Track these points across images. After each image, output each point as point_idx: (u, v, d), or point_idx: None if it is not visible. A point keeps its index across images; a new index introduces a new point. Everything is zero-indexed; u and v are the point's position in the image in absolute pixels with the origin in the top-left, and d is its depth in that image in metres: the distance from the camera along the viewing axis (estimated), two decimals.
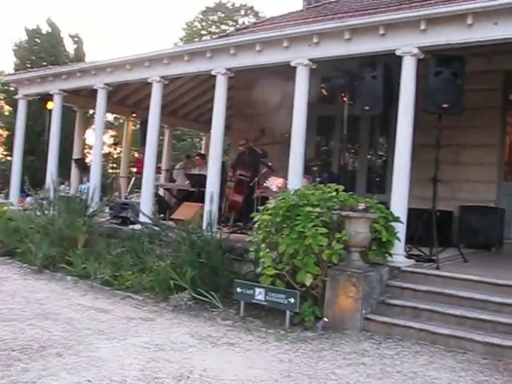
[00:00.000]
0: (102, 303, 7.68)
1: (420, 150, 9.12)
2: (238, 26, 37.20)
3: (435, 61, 7.85)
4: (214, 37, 27.22)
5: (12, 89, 18.24)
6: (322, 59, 8.69)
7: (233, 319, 6.96)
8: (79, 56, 30.69)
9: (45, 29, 31.35)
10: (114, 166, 17.78)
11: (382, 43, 8.01)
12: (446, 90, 7.77)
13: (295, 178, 8.71)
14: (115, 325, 6.51)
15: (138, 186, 15.20)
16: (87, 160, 19.35)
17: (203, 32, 43.07)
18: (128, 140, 17.27)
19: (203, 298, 7.49)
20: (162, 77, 10.75)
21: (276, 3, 48.61)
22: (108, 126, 34.27)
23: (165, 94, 11.85)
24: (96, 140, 12.53)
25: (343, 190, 7.38)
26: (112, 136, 38.12)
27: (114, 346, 5.65)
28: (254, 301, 7.01)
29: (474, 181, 10.61)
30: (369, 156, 12.69)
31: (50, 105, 13.61)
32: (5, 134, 33.95)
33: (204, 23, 43.90)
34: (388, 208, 7.52)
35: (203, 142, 19.30)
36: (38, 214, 10.94)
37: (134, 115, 16.12)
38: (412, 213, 8.12)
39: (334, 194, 7.25)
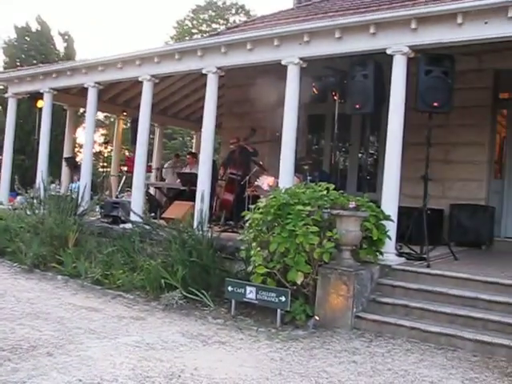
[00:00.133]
0: (92, 302, 7.66)
1: (410, 148, 9.16)
2: (228, 24, 37.18)
3: (426, 59, 7.88)
4: (204, 35, 27.19)
5: (1, 87, 18.12)
6: (312, 58, 8.70)
7: (224, 318, 6.96)
8: (69, 54, 30.48)
9: (34, 27, 31.13)
10: (105, 164, 17.69)
11: (372, 42, 8.02)
12: (436, 88, 7.80)
13: (286, 176, 8.72)
14: (106, 324, 6.50)
15: (128, 185, 15.18)
16: (78, 159, 19.31)
17: (194, 31, 42.98)
18: (119, 139, 17.24)
19: (194, 297, 7.48)
20: (153, 75, 10.72)
21: (267, 2, 48.65)
22: (99, 124, 34.19)
23: (155, 92, 11.82)
24: (87, 139, 12.49)
25: (334, 189, 7.39)
26: (103, 135, 37.96)
27: (105, 345, 5.63)
28: (245, 299, 7.01)
29: (465, 179, 10.66)
30: (360, 154, 12.72)
31: (40, 103, 13.54)
32: None
33: (195, 22, 43.78)
34: (379, 206, 7.53)
35: (194, 141, 19.31)
36: (29, 213, 10.90)
37: (125, 114, 16.10)
38: (403, 211, 8.15)
39: (325, 192, 7.26)
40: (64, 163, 15.02)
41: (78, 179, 12.65)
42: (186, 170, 13.43)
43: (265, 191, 9.44)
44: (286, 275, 6.82)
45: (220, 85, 10.39)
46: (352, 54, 8.39)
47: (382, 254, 7.42)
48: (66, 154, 15.25)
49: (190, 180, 11.46)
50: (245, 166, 11.59)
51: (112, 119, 30.18)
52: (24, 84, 13.46)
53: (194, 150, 17.17)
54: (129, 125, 17.07)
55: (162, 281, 7.77)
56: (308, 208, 6.87)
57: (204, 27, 43.14)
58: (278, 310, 6.68)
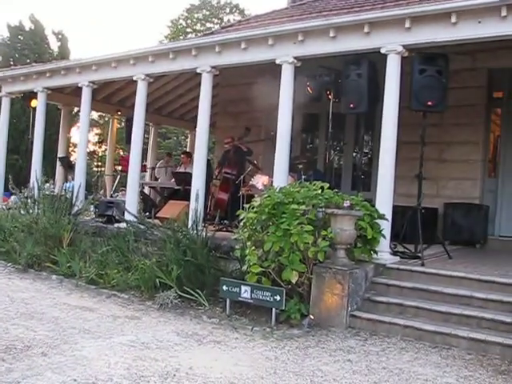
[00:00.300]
0: (87, 302, 7.65)
1: (405, 147, 9.18)
2: (223, 23, 37.13)
3: (420, 59, 7.89)
4: (199, 35, 27.16)
5: None
6: (307, 57, 8.70)
7: (219, 317, 6.96)
8: (63, 53, 30.38)
9: (28, 26, 31.02)
10: (99, 164, 17.70)
11: (366, 41, 8.02)
12: (430, 87, 7.82)
13: (281, 175, 8.72)
14: (101, 323, 6.49)
15: (123, 185, 15.17)
16: (72, 158, 19.27)
17: (188, 30, 42.93)
18: (113, 138, 17.22)
19: (189, 297, 7.48)
20: (147, 75, 10.70)
21: (261, 1, 48.60)
22: (93, 124, 34.11)
23: (150, 91, 11.81)
24: (81, 138, 12.47)
25: (329, 188, 7.39)
26: (97, 134, 37.91)
27: (100, 344, 5.63)
28: (239, 299, 7.02)
29: (459, 178, 10.69)
30: (354, 154, 12.74)
31: (34, 103, 13.49)
32: None
33: (189, 21, 43.73)
34: (373, 205, 7.55)
35: (188, 140, 19.29)
36: (23, 212, 10.87)
37: (119, 113, 16.08)
38: (397, 210, 8.19)
39: (320, 191, 7.26)
40: (58, 163, 14.99)
41: (73, 179, 12.63)
42: (181, 169, 13.42)
43: (259, 190, 9.44)
44: (280, 274, 6.83)
45: (214, 84, 10.39)
46: (346, 54, 8.39)
47: (376, 252, 7.43)
48: (60, 154, 15.22)
49: (185, 179, 11.45)
50: (239, 166, 11.60)
51: (106, 118, 30.14)
52: (17, 83, 13.40)
53: (188, 150, 17.16)
54: (123, 124, 17.06)
55: (157, 280, 7.76)
56: (302, 207, 6.87)
57: (198, 26, 43.10)
58: (273, 309, 6.69)
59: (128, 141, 11.75)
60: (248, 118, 12.88)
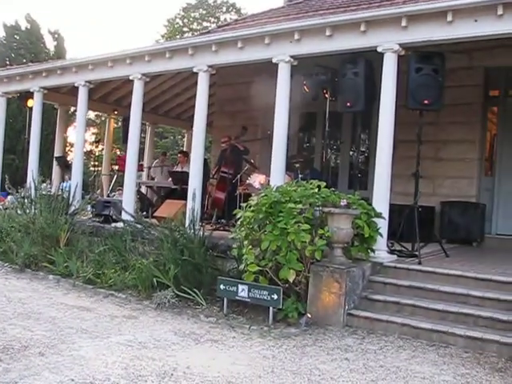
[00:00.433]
0: (84, 302, 7.65)
1: (401, 146, 9.19)
2: (219, 22, 37.12)
3: (416, 57, 7.91)
4: (195, 34, 27.12)
5: None
6: (303, 56, 8.70)
7: (216, 316, 6.96)
8: (60, 53, 30.29)
9: (24, 25, 30.92)
10: (96, 163, 17.68)
11: (363, 40, 8.02)
12: (426, 86, 7.83)
13: (277, 174, 8.72)
14: (98, 323, 6.48)
15: (120, 184, 15.14)
16: (69, 158, 19.23)
17: (185, 29, 42.88)
18: (110, 138, 17.20)
19: (186, 296, 7.48)
20: (144, 74, 10.69)
21: (258, 0, 48.61)
22: (90, 123, 34.02)
23: (146, 91, 11.81)
24: (77, 138, 12.44)
25: (325, 187, 7.40)
26: (94, 134, 37.82)
27: (97, 344, 5.62)
28: (237, 297, 7.02)
29: (455, 176, 10.71)
30: (351, 152, 12.74)
31: (30, 102, 13.47)
32: None
33: (186, 20, 43.68)
34: (370, 204, 7.56)
35: (185, 140, 19.28)
36: (19, 212, 10.85)
37: (116, 113, 16.06)
38: (394, 209, 8.18)
39: (316, 190, 7.26)
40: (55, 162, 14.97)
41: (69, 178, 12.61)
42: (178, 168, 13.42)
43: (256, 189, 9.45)
44: (277, 273, 6.83)
45: (211, 83, 10.38)
46: (343, 52, 8.40)
47: (373, 251, 7.44)
48: (56, 154, 15.21)
49: (182, 179, 11.44)
50: (236, 165, 11.60)
51: (103, 118, 30.05)
52: (14, 83, 13.38)
53: (185, 149, 17.15)
54: (120, 124, 17.05)
55: (154, 280, 7.76)
56: (299, 206, 6.88)
57: (195, 25, 43.06)
58: (271, 308, 6.69)
59: (125, 140, 11.74)
60: (245, 117, 12.88)
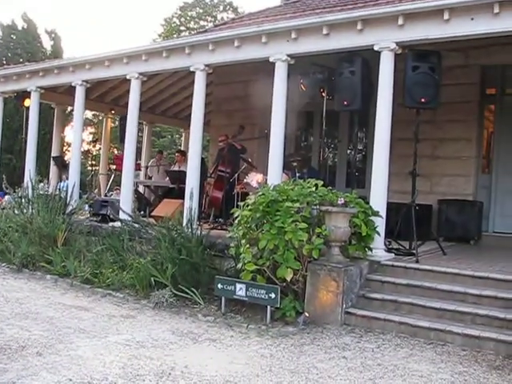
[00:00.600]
0: (82, 301, 7.65)
1: (398, 144, 9.21)
2: (216, 21, 37.09)
3: (413, 56, 7.90)
4: (192, 33, 27.12)
5: None
6: (300, 55, 8.71)
7: (214, 315, 6.97)
8: (56, 52, 30.28)
9: (20, 25, 30.91)
10: (94, 163, 17.69)
11: (360, 39, 8.02)
12: (423, 84, 7.83)
13: (275, 173, 8.73)
14: (96, 323, 6.48)
15: (117, 183, 15.15)
16: (66, 158, 19.23)
17: (182, 28, 42.88)
18: (107, 137, 17.19)
19: (184, 295, 7.48)
20: (141, 73, 10.69)
21: None
22: (87, 123, 34.04)
23: (144, 90, 11.80)
24: (75, 137, 12.45)
25: (323, 185, 7.40)
26: (91, 133, 37.85)
27: (95, 344, 5.62)
28: (235, 297, 7.02)
29: (453, 174, 10.73)
30: (348, 151, 12.76)
31: (27, 102, 13.44)
32: None
33: (183, 19, 43.68)
34: (368, 202, 7.56)
35: (183, 139, 19.27)
36: (17, 212, 10.84)
37: (113, 112, 16.05)
38: (391, 207, 8.20)
39: (314, 189, 7.26)
40: (52, 162, 14.95)
41: (67, 178, 12.60)
42: (175, 167, 13.42)
43: (254, 188, 9.44)
44: (275, 272, 6.83)
45: (208, 82, 10.38)
46: (339, 51, 8.39)
47: (371, 249, 7.45)
48: (54, 153, 15.19)
49: (179, 178, 11.44)
50: (233, 164, 11.60)
51: (100, 117, 30.05)
52: (10, 83, 13.37)
53: (182, 148, 17.15)
54: (117, 123, 17.03)
55: (152, 279, 7.76)
56: (297, 205, 6.88)
57: (192, 24, 43.06)
58: (268, 307, 6.69)
59: (122, 140, 11.74)
60: (242, 116, 12.87)
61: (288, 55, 8.69)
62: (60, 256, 9.26)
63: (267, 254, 6.83)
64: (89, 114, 33.15)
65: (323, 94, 9.72)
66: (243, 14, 21.05)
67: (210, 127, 14.30)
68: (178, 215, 9.22)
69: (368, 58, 8.28)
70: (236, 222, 7.34)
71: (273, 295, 6.63)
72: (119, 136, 13.53)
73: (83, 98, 11.89)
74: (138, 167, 14.13)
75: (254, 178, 10.23)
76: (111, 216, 10.76)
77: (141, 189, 14.55)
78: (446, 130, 10.62)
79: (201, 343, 5.84)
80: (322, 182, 7.47)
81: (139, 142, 13.44)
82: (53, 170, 14.99)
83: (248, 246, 7.04)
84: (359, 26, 7.94)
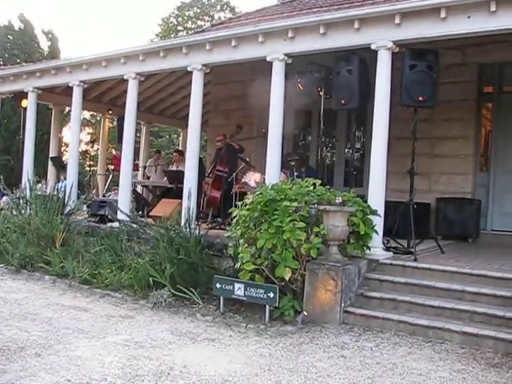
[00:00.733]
0: (80, 302, 7.64)
1: (396, 142, 9.23)
2: (213, 21, 37.08)
3: (410, 54, 7.91)
4: (190, 32, 27.10)
5: None
6: (297, 54, 8.70)
7: (213, 315, 6.97)
8: (54, 53, 30.24)
9: (17, 25, 30.89)
10: (92, 163, 17.69)
11: (357, 37, 8.02)
12: (420, 83, 7.83)
13: (273, 172, 8.72)
14: (95, 323, 6.48)
15: (115, 184, 15.14)
16: (64, 158, 19.22)
17: (179, 28, 42.87)
18: (105, 137, 17.18)
19: (183, 295, 7.48)
20: (138, 73, 10.68)
21: None
22: (85, 123, 34.00)
23: (141, 90, 11.80)
24: (72, 138, 12.43)
25: (321, 184, 7.40)
26: (89, 133, 37.81)
27: (94, 344, 5.62)
28: (233, 296, 7.02)
29: (450, 173, 10.73)
30: (346, 150, 12.76)
31: (24, 103, 13.43)
32: None
33: (180, 19, 43.67)
34: (366, 201, 7.56)
35: (181, 139, 19.27)
36: (15, 213, 10.83)
37: (111, 112, 16.03)
38: (389, 206, 8.19)
39: (312, 188, 7.27)
40: (50, 163, 14.94)
41: (65, 178, 12.60)
42: (173, 167, 13.41)
43: (252, 188, 9.45)
44: (273, 271, 6.83)
45: (206, 82, 10.37)
46: (337, 50, 8.39)
47: (369, 248, 7.45)
48: (51, 154, 15.16)
49: (177, 178, 11.44)
50: (231, 163, 11.60)
51: (98, 118, 30.03)
52: (7, 83, 13.34)
53: (180, 148, 17.15)
54: (115, 123, 17.01)
55: (150, 279, 7.75)
56: (295, 204, 6.88)
57: (189, 24, 43.06)
58: (267, 306, 6.69)
59: (120, 140, 11.73)
60: (240, 115, 12.88)
61: (285, 54, 8.69)
62: (58, 256, 9.25)
63: (265, 253, 6.84)
64: (87, 114, 33.12)
65: (321, 93, 9.75)
66: (240, 13, 21.07)
67: (208, 127, 14.31)
68: (176, 215, 9.21)
69: (365, 57, 8.28)
70: (234, 221, 7.34)
71: (271, 294, 6.63)
72: (117, 136, 13.52)
73: (81, 98, 11.89)
74: (135, 167, 14.12)
75: (251, 178, 10.24)
76: (109, 216, 10.75)
77: (139, 189, 14.54)
78: (444, 128, 10.63)
79: (199, 343, 5.84)
80: (320, 181, 7.48)
81: (137, 141, 13.42)
82: (51, 170, 14.97)
83: (246, 245, 7.04)
84: (356, 25, 7.94)
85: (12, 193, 11.30)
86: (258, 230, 6.95)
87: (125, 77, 10.83)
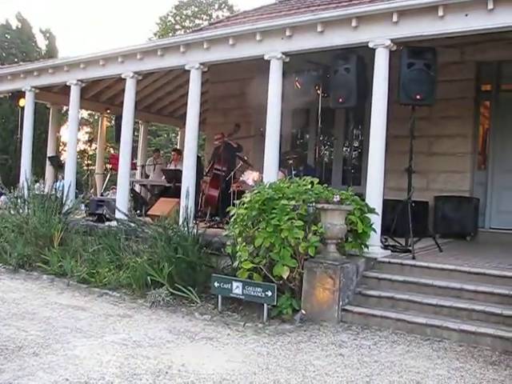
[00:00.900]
0: (79, 301, 7.63)
1: (394, 141, 9.23)
2: (211, 20, 37.06)
3: (408, 52, 7.91)
4: (188, 31, 27.09)
5: None
6: (295, 52, 8.69)
7: (211, 314, 6.96)
8: (51, 52, 30.20)
9: (15, 24, 30.84)
10: (90, 162, 17.68)
11: (354, 36, 8.02)
12: (418, 81, 7.84)
13: (271, 171, 8.72)
14: (93, 322, 6.47)
15: (113, 183, 15.13)
16: (62, 157, 19.21)
17: (177, 26, 42.84)
18: (103, 136, 17.16)
19: (181, 294, 7.47)
20: (136, 72, 10.66)
21: None
22: (83, 122, 34.00)
23: (139, 89, 11.79)
24: (70, 137, 12.41)
25: (319, 183, 7.41)
26: (87, 133, 37.79)
27: (92, 343, 5.62)
28: (231, 295, 7.02)
29: (449, 171, 10.74)
30: (344, 148, 12.76)
31: (22, 102, 13.41)
32: None
33: (178, 18, 43.64)
34: (364, 200, 7.56)
35: (179, 138, 19.26)
36: (13, 212, 10.81)
37: (109, 111, 16.02)
38: (387, 204, 8.20)
39: (310, 186, 7.27)
40: (48, 162, 14.92)
41: (63, 178, 12.58)
42: (171, 166, 13.41)
43: (250, 186, 9.45)
44: (271, 270, 6.83)
45: (204, 80, 10.37)
46: (334, 48, 8.39)
47: (367, 246, 7.44)
48: (49, 153, 15.15)
49: (175, 176, 11.44)
50: (229, 162, 11.61)
51: (96, 117, 30.01)
52: (5, 82, 13.31)
53: (178, 147, 17.14)
54: (113, 122, 17.01)
55: (148, 278, 7.75)
56: (292, 202, 6.87)
57: (187, 23, 43.03)
58: (265, 305, 6.69)
59: (118, 139, 11.73)
60: (238, 114, 12.88)
61: (283, 53, 8.68)
62: (56, 256, 9.25)
63: (263, 251, 6.84)
64: (84, 113, 33.07)
65: (318, 92, 9.74)
66: (238, 12, 21.04)
67: (206, 125, 14.31)
68: (174, 214, 9.21)
69: (363, 55, 8.28)
70: (232, 220, 7.34)
71: (269, 293, 6.63)
72: (115, 135, 13.53)
73: (78, 97, 11.87)
74: (133, 166, 14.13)
75: (249, 176, 10.24)
76: (107, 215, 10.75)
77: (137, 188, 14.54)
78: (442, 126, 10.63)
79: (198, 342, 5.84)
80: (317, 180, 7.48)
81: (135, 141, 13.40)
82: (48, 169, 14.94)
83: (244, 244, 7.04)
84: (354, 23, 7.93)
85: (10, 192, 11.29)
86: (255, 229, 6.95)
87: (122, 76, 10.82)
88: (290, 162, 10.27)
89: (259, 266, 6.93)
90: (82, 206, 12.37)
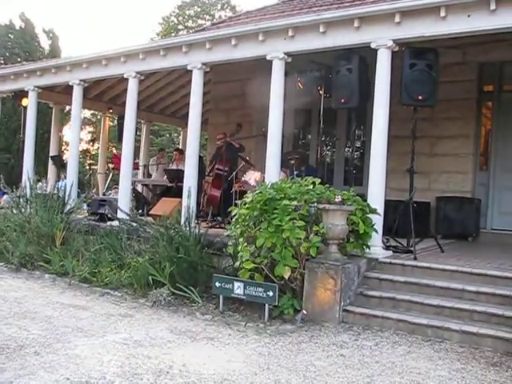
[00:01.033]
0: (80, 300, 7.64)
1: (396, 141, 9.22)
2: (214, 20, 37.08)
3: (410, 53, 7.90)
4: (190, 31, 27.09)
5: None
6: (297, 53, 8.69)
7: (212, 314, 6.96)
8: (54, 52, 30.30)
9: (18, 24, 30.92)
10: (92, 162, 17.69)
11: (357, 36, 8.01)
12: (420, 81, 7.83)
13: (272, 171, 8.72)
14: (94, 322, 6.48)
15: (116, 182, 15.14)
16: (64, 157, 19.24)
17: (180, 27, 42.89)
18: (105, 136, 17.18)
19: (182, 294, 7.48)
20: (138, 72, 10.68)
21: None
22: (85, 122, 34.03)
23: (141, 89, 11.80)
24: (73, 137, 12.43)
25: (321, 183, 7.41)
26: (89, 132, 37.83)
27: (93, 343, 5.62)
28: (232, 295, 7.02)
29: (450, 171, 10.73)
30: (346, 149, 12.75)
31: (25, 102, 13.44)
32: None
33: (181, 18, 43.69)
34: (365, 200, 7.56)
35: (181, 137, 19.28)
36: (15, 212, 10.83)
37: (111, 111, 16.03)
38: (389, 204, 8.20)
39: (311, 187, 7.27)
40: (50, 161, 14.94)
41: (65, 177, 12.60)
42: (173, 166, 13.41)
43: (252, 187, 9.45)
44: (273, 270, 6.83)
45: (206, 81, 10.37)
46: (336, 49, 8.39)
47: (368, 247, 7.44)
48: (52, 153, 15.17)
49: (177, 176, 11.44)
50: (231, 162, 11.61)
51: (98, 117, 30.04)
52: (8, 82, 13.35)
53: (181, 147, 17.15)
54: (115, 122, 17.02)
55: (150, 278, 7.75)
56: (294, 203, 6.88)
57: (190, 23, 43.07)
58: (266, 305, 6.69)
59: (120, 139, 11.73)
60: (240, 114, 12.88)
61: (285, 53, 8.67)
62: (58, 255, 9.26)
63: (265, 252, 6.84)
64: (87, 113, 33.16)
65: (320, 92, 9.74)
66: (241, 12, 21.04)
67: (208, 126, 14.31)
68: (176, 214, 9.20)
69: (365, 56, 8.27)
70: (234, 220, 7.35)
71: (271, 293, 6.63)
72: (117, 135, 13.53)
73: (81, 97, 11.88)
74: (135, 166, 14.13)
75: (251, 177, 10.24)
76: (109, 215, 10.74)
77: (139, 188, 14.54)
78: (444, 127, 10.62)
79: (199, 342, 5.84)
80: (319, 180, 7.48)
81: (137, 140, 13.41)
82: (51, 169, 14.96)
83: (246, 244, 7.04)
84: (356, 24, 7.93)
85: (12, 191, 11.30)
86: (257, 229, 6.95)
87: (125, 75, 10.83)
88: (292, 162, 10.26)
89: (261, 266, 6.93)
90: (84, 206, 12.38)
